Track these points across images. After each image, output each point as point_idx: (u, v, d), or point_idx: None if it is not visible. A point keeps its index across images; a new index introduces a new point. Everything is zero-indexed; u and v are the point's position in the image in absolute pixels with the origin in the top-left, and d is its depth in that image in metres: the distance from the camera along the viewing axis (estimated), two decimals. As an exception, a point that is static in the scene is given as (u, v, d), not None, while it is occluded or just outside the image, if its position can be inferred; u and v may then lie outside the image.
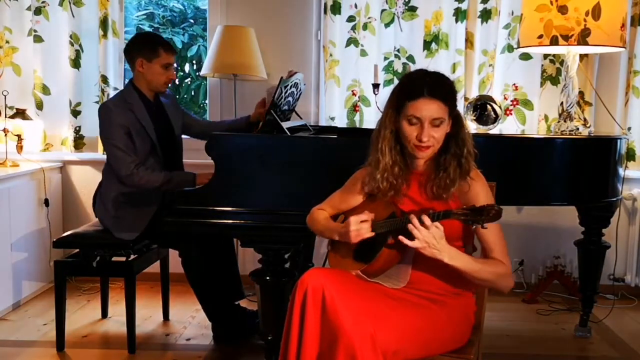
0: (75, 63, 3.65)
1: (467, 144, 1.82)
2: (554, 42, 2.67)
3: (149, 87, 2.85)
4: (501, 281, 1.79)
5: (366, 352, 1.61)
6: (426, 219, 1.65)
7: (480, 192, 1.80)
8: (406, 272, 1.85)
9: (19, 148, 3.51)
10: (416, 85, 1.77)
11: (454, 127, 1.82)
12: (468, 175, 1.80)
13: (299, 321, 1.73)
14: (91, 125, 3.66)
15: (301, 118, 3.17)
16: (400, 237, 1.68)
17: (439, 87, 1.76)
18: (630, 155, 3.54)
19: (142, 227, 2.74)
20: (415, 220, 1.65)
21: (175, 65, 2.91)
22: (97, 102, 3.67)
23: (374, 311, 1.70)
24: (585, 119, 2.90)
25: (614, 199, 2.74)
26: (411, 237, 1.66)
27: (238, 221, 2.31)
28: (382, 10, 3.60)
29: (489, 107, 2.85)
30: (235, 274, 2.99)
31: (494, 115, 2.85)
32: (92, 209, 2.97)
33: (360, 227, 1.79)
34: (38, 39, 3.64)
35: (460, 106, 3.47)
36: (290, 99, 2.80)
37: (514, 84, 3.61)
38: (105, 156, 2.85)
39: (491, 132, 2.85)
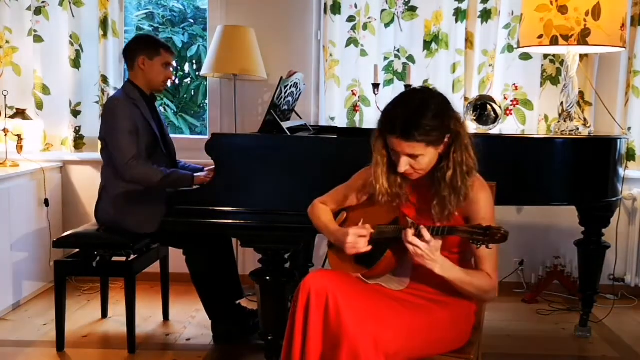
0: (75, 63, 3.65)
1: (461, 164, 1.75)
2: (554, 42, 2.67)
3: (148, 86, 2.90)
4: (485, 295, 1.81)
5: (369, 354, 1.62)
6: (425, 233, 1.65)
7: (480, 202, 1.78)
8: (406, 276, 1.85)
9: (19, 148, 3.51)
10: (391, 124, 1.72)
11: (449, 147, 1.76)
12: (464, 191, 1.76)
13: (302, 324, 1.74)
14: (91, 126, 3.66)
15: (301, 118, 3.17)
16: (407, 237, 1.67)
17: (411, 128, 1.68)
18: (630, 155, 3.54)
19: (159, 218, 2.60)
20: (410, 236, 1.65)
21: (174, 65, 2.94)
22: (97, 102, 3.67)
23: (377, 312, 1.70)
24: (585, 119, 2.90)
25: (614, 199, 2.73)
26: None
27: (238, 221, 2.31)
28: (382, 10, 3.60)
29: (489, 107, 2.85)
30: (235, 274, 2.99)
31: (494, 115, 2.85)
32: (92, 209, 2.95)
33: (357, 241, 1.79)
34: (38, 39, 3.64)
35: (460, 106, 3.48)
36: (290, 99, 2.80)
37: (514, 84, 3.61)
38: (104, 157, 2.85)
39: (491, 132, 2.85)
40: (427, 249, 1.65)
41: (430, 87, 1.85)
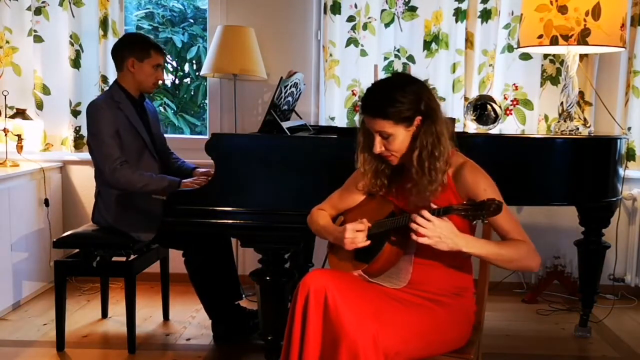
0: (75, 63, 3.65)
1: (426, 146, 1.75)
2: (554, 42, 2.67)
3: (138, 88, 2.85)
4: (526, 260, 1.75)
5: (369, 353, 1.61)
6: (426, 214, 1.63)
7: (478, 181, 1.77)
8: (406, 272, 1.85)
9: (19, 148, 3.51)
10: (364, 100, 1.80)
11: (419, 129, 1.77)
12: (434, 174, 1.75)
13: (301, 323, 1.74)
14: (91, 125, 3.66)
15: (301, 118, 3.17)
16: (414, 237, 1.65)
17: (373, 106, 1.76)
18: (630, 155, 3.54)
19: (157, 224, 2.60)
20: (419, 219, 1.62)
21: (167, 66, 2.90)
22: (97, 102, 3.67)
23: (376, 312, 1.70)
24: (585, 119, 2.90)
25: (614, 199, 2.74)
26: (417, 235, 1.64)
27: (238, 221, 2.31)
28: (382, 10, 3.60)
29: (489, 107, 2.85)
30: (234, 275, 2.99)
31: (494, 115, 2.85)
32: (92, 209, 2.94)
33: (355, 236, 1.79)
34: (38, 39, 3.64)
35: (460, 106, 3.49)
36: (290, 99, 2.80)
37: (514, 84, 3.61)
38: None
39: (491, 132, 2.86)
40: (440, 231, 1.62)
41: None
